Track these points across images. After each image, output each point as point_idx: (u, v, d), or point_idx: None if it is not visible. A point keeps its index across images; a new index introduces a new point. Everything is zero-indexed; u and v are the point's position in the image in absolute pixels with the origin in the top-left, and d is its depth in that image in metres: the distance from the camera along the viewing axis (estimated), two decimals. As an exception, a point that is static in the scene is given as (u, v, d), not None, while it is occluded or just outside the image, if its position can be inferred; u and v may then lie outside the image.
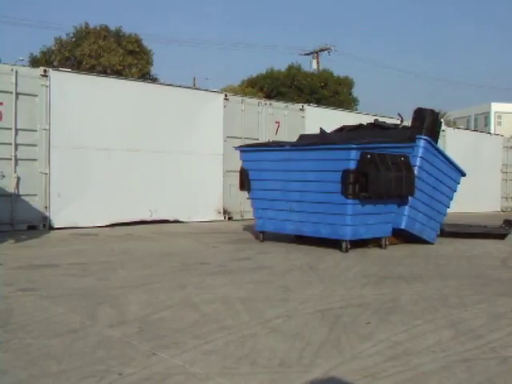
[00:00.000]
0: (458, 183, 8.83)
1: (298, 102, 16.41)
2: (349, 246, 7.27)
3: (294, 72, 28.44)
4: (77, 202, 9.58)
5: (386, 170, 7.11)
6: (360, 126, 9.07)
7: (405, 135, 7.87)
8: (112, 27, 24.51)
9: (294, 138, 12.98)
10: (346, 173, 6.92)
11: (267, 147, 8.31)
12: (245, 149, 8.40)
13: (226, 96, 12.28)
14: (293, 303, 4.33)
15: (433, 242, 8.38)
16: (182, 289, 4.81)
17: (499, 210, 18.97)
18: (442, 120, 9.29)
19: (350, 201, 7.00)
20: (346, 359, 3.07)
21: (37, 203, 9.25)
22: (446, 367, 2.98)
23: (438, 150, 8.36)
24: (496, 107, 51.97)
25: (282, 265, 6.25)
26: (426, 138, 7.98)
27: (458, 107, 65.85)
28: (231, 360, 3.01)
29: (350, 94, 29.36)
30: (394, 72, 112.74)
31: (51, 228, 9.29)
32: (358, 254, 7.34)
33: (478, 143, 17.97)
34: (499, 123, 50.26)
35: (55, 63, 22.51)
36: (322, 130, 9.01)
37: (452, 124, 36.60)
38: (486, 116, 52.89)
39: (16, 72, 9.08)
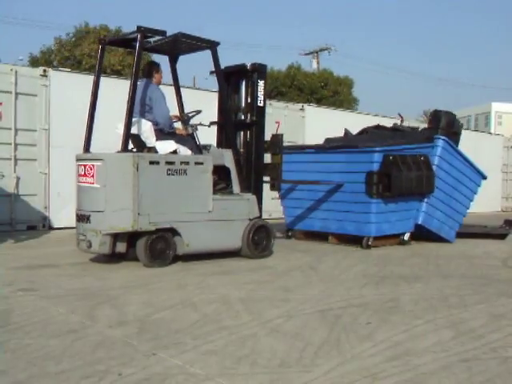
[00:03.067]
0: (479, 185, 9.10)
1: (298, 102, 16.40)
2: (371, 243, 7.69)
3: (294, 72, 28.40)
4: (77, 202, 9.57)
5: (407, 169, 7.62)
6: (379, 127, 9.69)
7: (423, 136, 8.37)
8: (112, 27, 24.52)
9: (294, 138, 13.02)
10: (370, 174, 7.45)
11: (296, 149, 8.75)
12: None
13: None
14: (293, 303, 4.33)
15: (451, 241, 8.61)
16: (181, 289, 4.80)
17: (499, 209, 18.96)
18: (462, 123, 9.48)
19: (374, 200, 7.51)
20: (346, 359, 3.06)
21: (36, 203, 9.23)
22: (447, 367, 2.97)
23: (456, 150, 8.65)
24: (496, 107, 51.91)
25: (282, 265, 6.25)
26: (443, 137, 8.32)
27: (459, 107, 65.87)
28: (231, 360, 3.00)
29: (350, 93, 29.32)
30: (394, 72, 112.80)
31: (51, 228, 9.28)
32: (358, 254, 7.34)
33: (479, 143, 17.94)
34: (500, 123, 50.23)
35: (55, 63, 22.50)
36: (346, 131, 9.51)
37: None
38: (487, 116, 52.86)
39: (16, 72, 9.05)
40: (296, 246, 7.91)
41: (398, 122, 14.35)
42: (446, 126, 8.59)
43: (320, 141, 11.13)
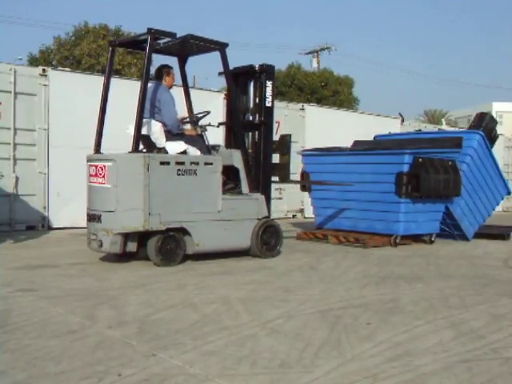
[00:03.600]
0: (502, 198, 9.53)
1: (298, 102, 16.39)
2: (398, 241, 8.03)
3: (294, 71, 28.37)
4: (76, 201, 9.53)
5: (435, 172, 7.97)
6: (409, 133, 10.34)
7: (452, 143, 8.67)
8: (111, 26, 24.49)
9: (294, 138, 12.94)
10: (399, 175, 7.78)
11: (327, 152, 8.97)
12: (306, 153, 9.27)
13: (226, 96, 12.24)
14: (293, 304, 4.32)
15: (469, 239, 8.89)
16: (181, 289, 4.79)
17: (501, 209, 18.94)
18: (497, 131, 9.91)
19: (403, 200, 7.86)
20: (347, 360, 3.05)
21: (36, 203, 9.22)
22: (447, 368, 2.96)
23: (490, 152, 9.11)
24: (497, 107, 51.89)
25: (282, 265, 6.24)
26: (481, 133, 8.87)
27: (459, 107, 65.89)
28: (231, 361, 2.99)
29: (351, 93, 29.29)
30: (395, 71, 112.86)
31: (50, 228, 9.27)
32: (359, 254, 7.34)
33: (479, 143, 17.94)
34: (500, 123, 50.16)
35: (54, 62, 22.45)
36: (375, 138, 10.19)
37: (453, 124, 36.63)
38: (487, 116, 52.84)
39: (15, 71, 9.04)
40: (296, 246, 7.90)
41: (399, 122, 14.37)
42: (486, 129, 9.08)
43: (320, 141, 11.21)
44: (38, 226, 9.24)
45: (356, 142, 9.85)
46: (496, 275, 5.94)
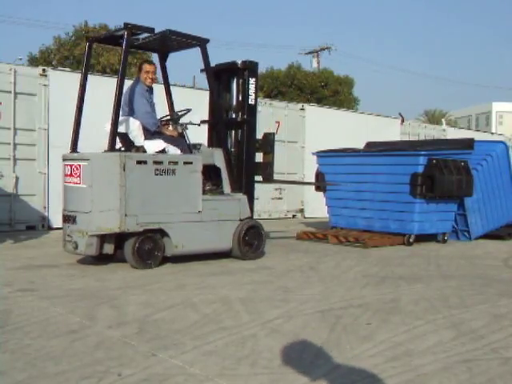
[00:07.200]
0: None
1: (298, 102, 16.38)
2: (412, 240, 8.22)
3: (294, 71, 28.37)
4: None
5: (449, 173, 8.16)
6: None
7: (464, 144, 8.93)
8: (111, 26, 24.52)
9: (294, 138, 13.02)
10: (414, 175, 7.97)
11: (342, 153, 9.14)
12: (321, 154, 9.31)
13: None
14: (293, 304, 4.31)
15: (471, 238, 9.00)
16: (181, 289, 4.79)
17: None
18: None
19: (417, 200, 8.04)
20: (347, 360, 3.05)
21: (36, 203, 9.22)
22: (447, 368, 2.96)
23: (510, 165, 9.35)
24: (497, 107, 51.92)
25: (282, 265, 6.23)
26: (505, 142, 9.37)
27: (459, 107, 65.87)
28: (231, 361, 2.99)
29: (351, 93, 29.29)
30: (395, 71, 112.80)
31: (50, 228, 9.25)
32: (359, 254, 7.33)
33: (479, 143, 17.92)
34: (500, 123, 50.22)
35: (54, 62, 22.46)
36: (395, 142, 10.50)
37: (453, 124, 36.60)
38: (488, 116, 52.86)
39: (15, 71, 9.04)
40: (296, 246, 7.90)
41: (399, 122, 14.39)
42: None
43: (320, 141, 11.21)
44: (38, 225, 9.23)
45: (368, 144, 10.04)
46: (496, 275, 5.94)
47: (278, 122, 12.75)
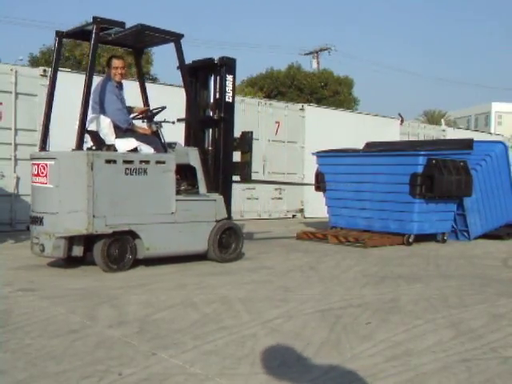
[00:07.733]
0: None
1: (298, 102, 16.39)
2: (411, 240, 8.25)
3: (293, 72, 28.35)
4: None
5: (448, 173, 8.18)
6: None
7: (463, 144, 8.95)
8: (112, 27, 24.52)
9: (294, 138, 13.03)
10: (414, 176, 8.00)
11: (342, 153, 9.17)
12: (321, 154, 9.33)
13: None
14: (293, 303, 4.32)
15: (470, 238, 9.03)
16: (181, 289, 4.80)
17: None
18: None
19: (417, 200, 8.08)
20: (346, 359, 3.06)
21: (36, 203, 9.22)
22: (447, 367, 2.97)
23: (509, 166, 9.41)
24: (496, 107, 51.91)
25: (282, 265, 6.24)
26: (504, 142, 9.47)
27: (459, 107, 65.87)
28: (231, 360, 3.00)
29: (350, 93, 29.27)
30: (395, 72, 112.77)
31: (51, 228, 9.26)
32: (359, 254, 7.34)
33: (479, 143, 17.91)
34: (500, 123, 50.20)
35: (55, 63, 22.48)
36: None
37: (452, 124, 36.60)
38: (487, 116, 52.86)
39: (16, 72, 9.06)
40: (296, 246, 7.91)
41: (398, 123, 14.41)
42: None
43: (320, 141, 11.23)
44: (38, 226, 9.22)
45: (368, 144, 10.04)
46: (495, 275, 5.94)
47: (278, 123, 12.77)
